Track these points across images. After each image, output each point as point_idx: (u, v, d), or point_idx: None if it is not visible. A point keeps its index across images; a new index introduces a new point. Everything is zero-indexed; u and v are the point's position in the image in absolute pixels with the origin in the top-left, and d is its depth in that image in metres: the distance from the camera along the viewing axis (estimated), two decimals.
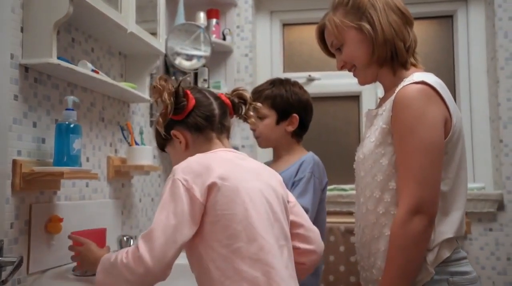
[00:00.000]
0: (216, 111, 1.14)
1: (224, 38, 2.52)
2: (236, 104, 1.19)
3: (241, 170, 1.07)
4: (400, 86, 1.13)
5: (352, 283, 2.14)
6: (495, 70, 2.38)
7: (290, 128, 1.63)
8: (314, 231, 1.16)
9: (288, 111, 1.63)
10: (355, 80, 2.77)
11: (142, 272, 0.93)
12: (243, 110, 1.20)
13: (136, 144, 1.85)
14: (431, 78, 1.12)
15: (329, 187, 2.46)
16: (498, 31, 2.36)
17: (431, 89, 1.09)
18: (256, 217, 1.00)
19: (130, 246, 1.68)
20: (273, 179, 1.13)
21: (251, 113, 1.21)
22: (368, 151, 1.16)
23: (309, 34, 2.87)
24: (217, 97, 1.18)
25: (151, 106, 2.19)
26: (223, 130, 1.17)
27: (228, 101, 1.18)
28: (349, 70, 1.26)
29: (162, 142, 1.19)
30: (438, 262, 1.09)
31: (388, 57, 1.18)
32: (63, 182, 1.47)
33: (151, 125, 2.21)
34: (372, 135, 1.17)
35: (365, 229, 1.18)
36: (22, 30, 1.31)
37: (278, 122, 1.62)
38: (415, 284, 1.09)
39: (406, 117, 1.08)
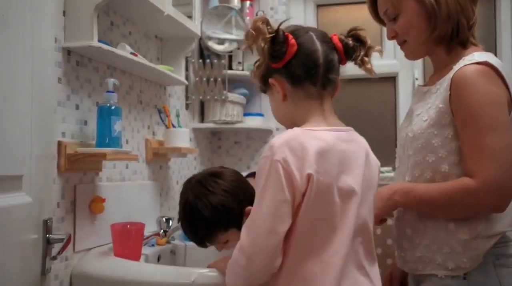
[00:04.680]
0: (321, 61, 0.97)
1: None
2: (349, 49, 1.00)
3: (339, 160, 0.94)
4: (459, 64, 1.08)
5: (389, 266, 2.12)
6: None
7: None
8: None
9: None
10: (392, 61, 2.71)
11: (245, 263, 0.91)
12: (359, 54, 1.00)
13: (173, 126, 1.87)
14: (493, 59, 1.07)
15: None
16: None
17: (494, 71, 1.05)
18: (340, 227, 0.92)
19: (169, 226, 1.72)
20: (371, 169, 1.01)
21: (366, 59, 1.01)
22: (419, 129, 1.12)
23: (344, 15, 2.82)
24: (326, 42, 0.99)
25: (186, 89, 2.21)
26: (327, 85, 0.99)
27: (340, 45, 0.99)
28: (399, 43, 1.21)
29: (263, 87, 1.06)
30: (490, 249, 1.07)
31: (448, 35, 1.12)
32: (104, 163, 1.50)
33: (187, 108, 2.22)
34: (424, 114, 1.12)
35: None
36: (64, 14, 1.34)
37: None
38: (463, 269, 1.06)
39: (473, 96, 1.03)
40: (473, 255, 1.06)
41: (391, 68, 2.56)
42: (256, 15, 2.49)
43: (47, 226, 1.09)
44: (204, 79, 2.22)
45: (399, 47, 1.25)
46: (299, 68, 0.97)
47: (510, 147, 1.03)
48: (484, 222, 1.06)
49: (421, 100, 1.17)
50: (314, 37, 0.99)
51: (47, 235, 1.09)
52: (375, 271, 1.00)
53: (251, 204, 0.96)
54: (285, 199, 0.89)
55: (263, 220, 0.90)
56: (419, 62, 2.49)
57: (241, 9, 2.42)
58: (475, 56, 1.07)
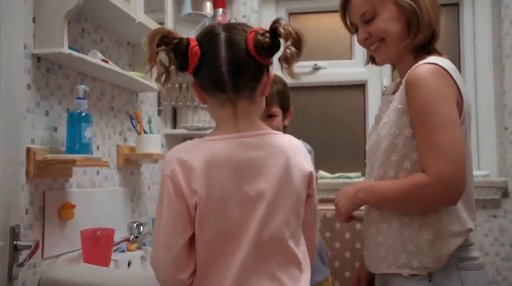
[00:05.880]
0: (223, 68, 0.90)
1: None
2: (262, 48, 0.90)
3: (236, 169, 0.90)
4: (414, 65, 1.12)
5: (357, 268, 2.17)
6: (500, 58, 2.38)
7: (287, 122, 1.62)
8: None
9: (288, 107, 1.60)
10: (361, 69, 2.78)
11: (156, 276, 0.95)
12: (283, 52, 0.91)
13: (145, 132, 1.88)
14: (444, 62, 1.11)
15: (334, 175, 2.49)
16: (504, 18, 2.36)
17: (444, 71, 1.09)
18: (241, 238, 0.90)
19: (140, 232, 1.73)
20: (289, 176, 0.93)
21: (283, 63, 0.92)
22: (383, 132, 1.16)
23: (315, 23, 2.88)
24: (235, 44, 0.91)
25: (158, 95, 2.22)
26: (240, 90, 0.92)
27: (251, 45, 0.90)
28: (372, 44, 1.22)
29: None
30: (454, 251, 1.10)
31: (425, 42, 1.17)
32: (74, 169, 1.51)
33: (159, 114, 2.24)
34: (386, 117, 1.16)
35: (376, 208, 1.19)
36: (34, 20, 1.34)
37: (283, 119, 1.58)
38: (427, 269, 1.10)
39: (423, 95, 1.07)
40: (438, 255, 1.09)
41: (361, 76, 2.62)
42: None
43: (14, 233, 1.10)
44: (177, 85, 2.24)
45: (369, 55, 1.29)
46: (205, 77, 0.93)
47: (460, 141, 1.07)
48: (447, 221, 1.10)
49: (385, 107, 1.21)
50: (222, 40, 0.91)
51: (15, 242, 1.10)
52: (303, 283, 0.95)
53: None
54: (176, 212, 0.89)
55: (160, 235, 0.91)
56: (387, 70, 2.57)
57: (214, 16, 2.45)
58: (429, 59, 1.12)
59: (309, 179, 0.97)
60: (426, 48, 1.18)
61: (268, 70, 0.96)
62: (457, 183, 1.06)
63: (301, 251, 0.97)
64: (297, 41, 0.92)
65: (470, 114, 1.15)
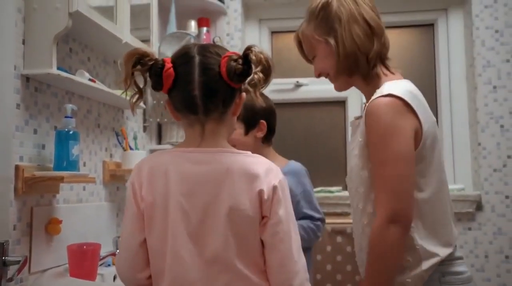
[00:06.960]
0: (196, 92, 0.94)
1: None
2: (234, 75, 0.94)
3: (176, 180, 0.94)
4: (371, 98, 1.15)
5: (339, 282, 2.23)
6: (473, 77, 2.49)
7: (260, 135, 1.68)
8: None
9: (255, 119, 1.66)
10: None
11: (119, 277, 1.02)
12: (252, 78, 0.96)
13: (131, 148, 1.93)
14: (399, 89, 1.12)
15: (316, 189, 2.55)
16: (475, 39, 2.48)
17: (399, 101, 1.10)
18: (175, 251, 0.93)
19: None
20: (233, 194, 0.93)
21: (249, 88, 0.98)
22: (352, 163, 1.20)
23: None
24: (209, 69, 0.95)
25: (144, 112, 2.27)
26: (210, 112, 0.96)
27: (224, 70, 0.94)
28: (326, 77, 1.30)
29: None
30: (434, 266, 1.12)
31: (353, 69, 1.21)
32: (61, 185, 1.54)
33: (144, 131, 2.28)
34: (355, 148, 1.20)
35: (356, 239, 1.23)
36: (23, 42, 1.39)
37: (247, 132, 1.65)
38: (408, 285, 1.11)
39: (377, 130, 1.10)
40: (417, 274, 1.11)
41: (341, 93, 2.70)
42: (213, 41, 2.59)
43: (3, 249, 1.13)
44: (162, 102, 2.29)
45: None
46: (177, 98, 0.96)
47: (405, 175, 1.09)
48: (423, 246, 1.11)
49: (354, 133, 1.25)
50: (196, 63, 0.94)
51: (3, 258, 1.13)
52: None
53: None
54: (133, 214, 0.96)
55: (123, 236, 1.00)
56: None
57: (198, 35, 2.52)
58: (384, 88, 1.14)
59: (260, 199, 0.93)
60: (359, 71, 1.21)
61: (240, 92, 1.00)
62: (402, 215, 1.07)
63: (265, 278, 0.96)
64: (266, 69, 0.97)
65: (435, 137, 1.16)
